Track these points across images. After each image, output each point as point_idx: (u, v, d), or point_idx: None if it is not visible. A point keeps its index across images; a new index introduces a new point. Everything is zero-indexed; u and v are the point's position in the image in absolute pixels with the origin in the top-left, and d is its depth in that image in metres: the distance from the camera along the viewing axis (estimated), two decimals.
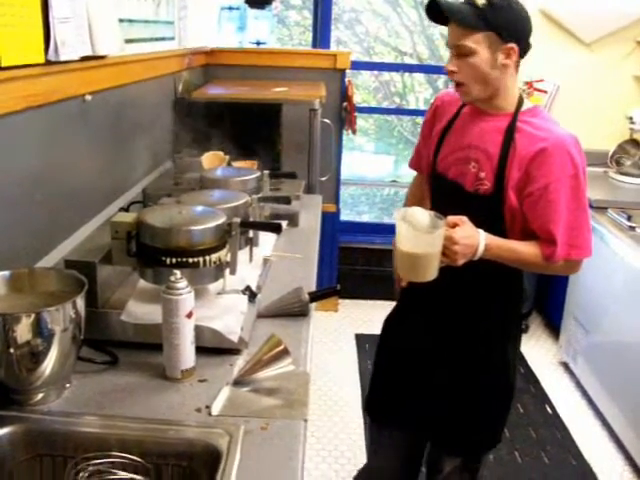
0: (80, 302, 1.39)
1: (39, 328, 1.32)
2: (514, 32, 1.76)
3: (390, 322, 2.23)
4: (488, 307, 1.98)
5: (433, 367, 2.04)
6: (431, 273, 1.73)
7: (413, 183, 2.31)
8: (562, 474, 3.07)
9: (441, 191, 2.01)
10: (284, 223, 2.54)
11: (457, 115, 1.99)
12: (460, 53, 1.78)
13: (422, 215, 1.75)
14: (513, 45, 1.76)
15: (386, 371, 2.20)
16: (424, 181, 2.15)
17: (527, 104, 1.88)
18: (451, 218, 1.74)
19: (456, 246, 1.71)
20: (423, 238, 1.70)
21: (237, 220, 1.77)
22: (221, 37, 4.51)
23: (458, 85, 1.84)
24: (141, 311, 1.65)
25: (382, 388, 2.22)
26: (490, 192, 1.83)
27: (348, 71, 4.36)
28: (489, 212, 1.84)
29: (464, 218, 1.76)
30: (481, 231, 1.77)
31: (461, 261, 1.74)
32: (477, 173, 1.85)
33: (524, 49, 1.81)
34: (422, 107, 6.45)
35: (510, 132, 1.81)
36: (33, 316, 1.31)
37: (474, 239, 1.75)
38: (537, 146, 1.76)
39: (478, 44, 1.76)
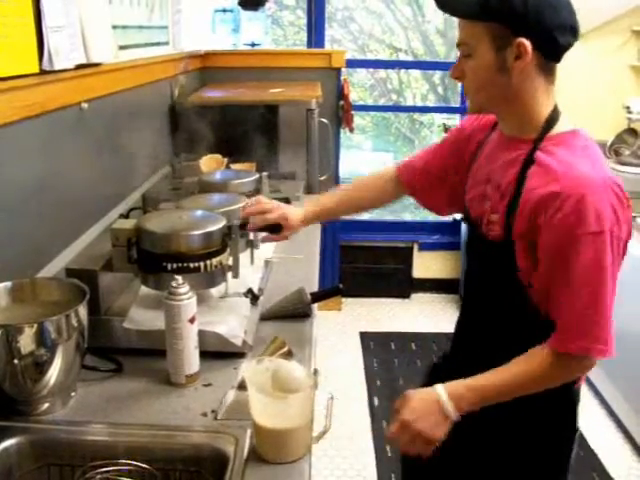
0: (82, 310, 1.39)
1: (42, 338, 1.32)
2: (525, 23, 1.30)
3: None
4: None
5: None
6: (298, 451, 1.31)
7: (379, 174, 1.87)
8: None
9: (468, 230, 1.67)
10: None
11: (485, 140, 1.58)
12: (463, 52, 1.40)
13: (292, 371, 1.35)
14: (524, 41, 1.30)
15: None
16: (395, 187, 1.81)
17: (561, 126, 1.41)
18: (396, 405, 1.44)
19: (413, 425, 1.38)
20: (278, 405, 1.28)
21: (237, 222, 1.77)
22: (215, 40, 4.51)
23: (466, 93, 1.47)
24: (144, 317, 1.65)
25: None
26: (499, 239, 1.44)
27: (344, 69, 4.36)
28: (501, 262, 1.45)
29: (407, 394, 1.44)
30: (436, 385, 1.41)
31: (436, 433, 1.39)
32: (490, 215, 1.47)
33: (546, 45, 1.34)
34: (419, 103, 6.45)
35: (527, 164, 1.38)
36: (36, 326, 1.31)
37: (426, 400, 1.40)
38: (547, 187, 1.32)
39: (478, 40, 1.34)
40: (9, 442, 1.31)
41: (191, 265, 1.65)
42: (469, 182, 1.59)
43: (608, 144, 4.36)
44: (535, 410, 1.50)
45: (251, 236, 1.95)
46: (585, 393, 3.66)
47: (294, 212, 1.79)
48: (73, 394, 1.48)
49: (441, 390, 1.40)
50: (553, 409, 1.54)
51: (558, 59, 1.39)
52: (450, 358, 1.76)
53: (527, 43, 1.30)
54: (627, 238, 1.36)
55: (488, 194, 1.49)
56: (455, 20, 1.42)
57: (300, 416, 1.29)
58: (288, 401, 1.27)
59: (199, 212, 1.83)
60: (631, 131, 4.32)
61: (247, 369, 1.36)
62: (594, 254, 1.29)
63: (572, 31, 1.36)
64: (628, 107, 4.18)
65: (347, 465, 3.01)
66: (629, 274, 3.19)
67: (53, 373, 1.36)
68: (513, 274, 1.42)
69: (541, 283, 1.39)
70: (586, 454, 3.13)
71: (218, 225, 1.72)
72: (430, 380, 1.59)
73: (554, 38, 1.33)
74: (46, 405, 1.41)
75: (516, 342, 1.43)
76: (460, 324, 1.73)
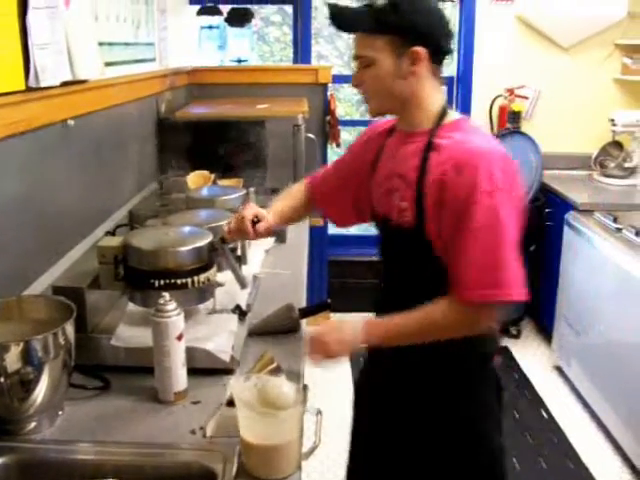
0: (69, 328, 1.39)
1: (29, 356, 1.31)
2: (420, 33, 1.49)
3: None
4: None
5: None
6: (287, 468, 1.30)
7: (297, 188, 1.96)
8: (560, 478, 3.06)
9: (379, 229, 1.75)
10: (271, 240, 2.54)
11: (384, 144, 1.71)
12: (362, 64, 1.55)
13: (280, 387, 1.37)
14: (419, 49, 1.49)
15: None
16: (309, 197, 1.91)
17: (451, 117, 1.58)
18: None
19: (324, 336, 1.55)
20: (266, 422, 1.29)
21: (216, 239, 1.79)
22: (202, 56, 4.52)
23: (366, 100, 1.62)
24: (131, 335, 1.65)
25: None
26: (411, 224, 1.55)
27: (330, 85, 4.37)
28: (416, 248, 1.56)
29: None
30: (357, 320, 1.56)
31: (340, 348, 1.54)
32: (399, 204, 1.58)
33: (437, 52, 1.54)
34: None
35: (426, 152, 1.53)
36: (22, 344, 1.30)
37: (342, 322, 1.59)
38: (447, 163, 1.48)
39: (379, 52, 1.51)
40: None
41: (178, 282, 1.65)
42: (374, 186, 1.70)
43: (593, 157, 4.39)
44: (452, 390, 1.64)
45: (238, 252, 1.95)
46: (577, 405, 3.68)
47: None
48: (60, 413, 1.47)
49: (358, 323, 1.55)
50: (470, 388, 1.65)
51: (443, 62, 1.58)
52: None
53: (421, 51, 1.50)
54: (520, 198, 1.52)
55: (394, 186, 1.60)
56: None
57: (289, 432, 1.28)
58: (277, 418, 1.27)
59: (186, 228, 1.83)
60: (616, 144, 4.35)
61: (235, 386, 1.35)
62: (488, 209, 1.43)
63: (452, 38, 1.58)
64: (612, 120, 4.21)
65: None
66: (619, 285, 3.22)
67: (40, 392, 1.35)
68: (429, 253, 1.54)
69: (447, 248, 1.51)
70: (577, 466, 3.14)
71: (205, 241, 1.72)
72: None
73: (441, 45, 1.54)
74: (33, 424, 1.40)
75: None
76: (380, 308, 1.72)
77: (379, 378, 1.79)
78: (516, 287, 1.46)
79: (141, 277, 1.65)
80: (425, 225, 1.52)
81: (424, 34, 1.50)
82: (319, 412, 1.38)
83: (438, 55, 1.55)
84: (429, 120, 1.57)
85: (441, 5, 1.56)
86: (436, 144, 1.53)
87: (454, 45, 1.62)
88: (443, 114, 1.57)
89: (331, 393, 3.70)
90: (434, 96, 1.58)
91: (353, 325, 1.55)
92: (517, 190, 1.50)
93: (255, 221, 1.76)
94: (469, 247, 1.45)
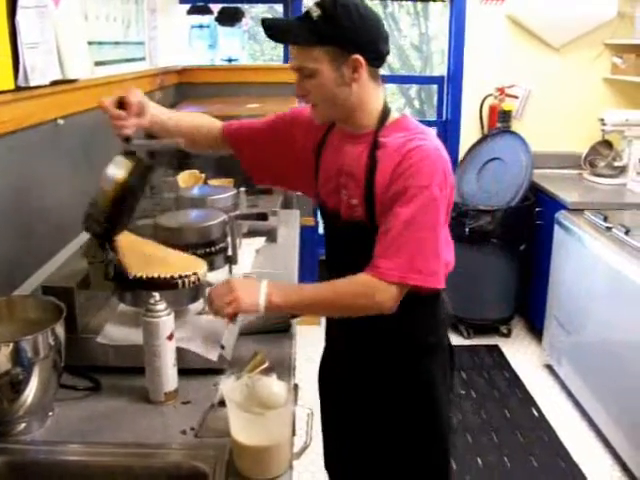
0: (59, 329, 1.38)
1: (18, 357, 1.30)
2: (356, 41, 1.53)
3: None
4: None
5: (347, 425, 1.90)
6: (278, 468, 1.29)
7: (211, 124, 1.98)
8: (551, 477, 3.08)
9: (326, 220, 1.85)
10: (262, 239, 2.54)
11: (326, 138, 1.78)
12: (303, 75, 1.59)
13: (271, 387, 1.36)
14: (358, 57, 1.53)
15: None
16: (218, 141, 1.95)
17: (394, 115, 1.66)
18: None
19: (235, 291, 1.57)
20: (257, 422, 1.27)
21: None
22: (192, 55, 4.51)
23: (312, 107, 1.66)
24: (119, 334, 1.64)
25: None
26: (362, 218, 1.64)
27: None
28: (367, 240, 1.61)
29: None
30: (264, 280, 1.60)
31: (245, 305, 1.56)
32: (349, 201, 1.66)
33: (375, 58, 1.58)
34: None
35: (373, 151, 1.61)
36: (12, 345, 1.29)
37: (251, 280, 1.65)
38: (396, 159, 1.56)
39: (319, 63, 1.54)
40: None
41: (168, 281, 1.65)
42: (321, 180, 1.78)
43: (583, 156, 4.40)
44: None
45: (229, 251, 1.94)
46: (567, 404, 3.69)
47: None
48: (50, 414, 1.46)
49: (265, 282, 1.58)
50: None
51: (382, 65, 1.65)
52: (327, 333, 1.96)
53: (361, 58, 1.54)
54: (451, 199, 1.63)
55: (342, 184, 1.68)
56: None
57: (280, 432, 1.28)
58: (267, 417, 1.27)
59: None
60: (605, 143, 4.36)
61: (226, 386, 1.35)
62: (421, 202, 1.52)
63: (388, 40, 1.62)
64: (602, 119, 4.22)
65: None
66: (609, 284, 3.24)
67: (30, 393, 1.34)
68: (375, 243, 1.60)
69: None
70: (567, 465, 3.15)
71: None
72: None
73: (380, 49, 1.58)
74: (23, 425, 1.39)
75: None
76: None
77: (335, 362, 1.92)
78: (434, 274, 1.56)
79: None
80: (375, 219, 1.61)
81: (361, 43, 1.54)
82: (311, 412, 1.38)
83: (377, 60, 1.60)
84: (373, 121, 1.64)
85: (375, 8, 1.60)
86: (381, 143, 1.61)
87: (390, 46, 1.65)
88: (385, 114, 1.65)
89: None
90: (376, 98, 1.64)
91: (258, 284, 1.59)
92: (449, 187, 1.59)
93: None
94: (398, 231, 1.53)
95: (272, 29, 1.58)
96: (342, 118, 1.67)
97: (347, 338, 1.82)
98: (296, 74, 1.61)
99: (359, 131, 1.66)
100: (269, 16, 1.60)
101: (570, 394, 3.71)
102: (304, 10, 1.58)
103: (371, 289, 1.55)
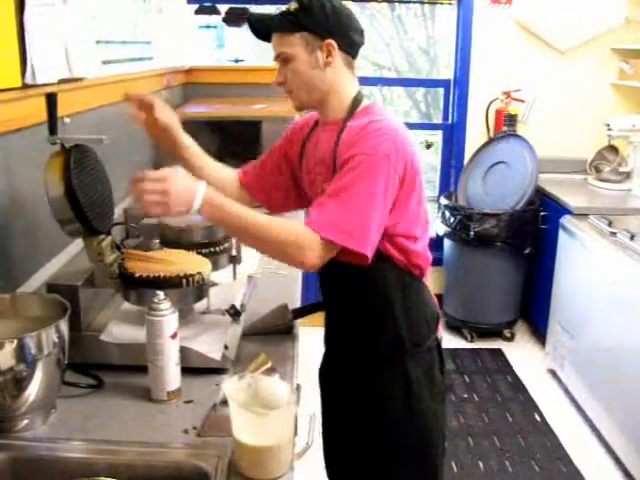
0: (63, 326, 1.38)
1: (22, 354, 1.31)
2: (329, 27, 1.66)
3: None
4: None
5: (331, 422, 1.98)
6: (279, 468, 1.29)
7: (232, 174, 2.01)
8: None
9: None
10: None
11: (309, 136, 1.85)
12: (282, 61, 1.70)
13: (273, 387, 1.36)
14: (330, 41, 1.66)
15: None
16: (238, 188, 1.96)
17: (364, 104, 1.74)
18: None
19: (167, 184, 1.50)
20: (259, 422, 1.27)
21: None
22: (199, 55, 4.51)
23: (289, 94, 1.76)
24: (122, 332, 1.65)
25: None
26: None
27: None
28: None
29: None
30: (202, 183, 1.56)
31: (175, 205, 1.50)
32: (322, 186, 1.68)
33: (347, 44, 1.69)
34: (402, 120, 6.46)
35: (339, 135, 1.68)
36: (16, 342, 1.29)
37: (190, 179, 1.55)
38: (354, 137, 1.62)
39: (294, 47, 1.67)
40: None
41: (173, 280, 1.65)
42: (304, 177, 1.86)
43: (589, 161, 4.40)
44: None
45: (233, 251, 1.95)
46: (570, 408, 3.68)
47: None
48: (53, 411, 1.47)
49: (202, 184, 1.55)
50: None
51: (356, 55, 1.74)
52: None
53: (333, 42, 1.66)
54: (405, 172, 1.61)
55: (317, 172, 1.76)
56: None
57: (282, 433, 1.28)
58: (270, 418, 1.26)
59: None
60: (611, 148, 4.36)
61: (228, 385, 1.34)
62: (363, 169, 1.56)
63: (362, 33, 1.73)
64: (608, 125, 4.22)
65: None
66: (612, 289, 3.23)
67: (33, 389, 1.35)
68: None
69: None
70: (569, 470, 3.15)
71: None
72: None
73: (352, 38, 1.70)
74: (26, 422, 1.40)
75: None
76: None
77: (328, 364, 1.97)
78: (362, 240, 1.55)
79: (136, 275, 1.65)
80: None
81: (333, 29, 1.66)
82: (313, 414, 1.38)
83: (350, 47, 1.70)
84: (344, 108, 1.72)
85: (348, 5, 1.73)
86: (348, 127, 1.68)
87: (363, 39, 1.75)
88: (356, 103, 1.73)
89: None
90: (349, 86, 1.74)
91: (197, 186, 1.53)
92: (401, 162, 1.60)
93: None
94: (335, 192, 1.56)
95: (254, 22, 1.73)
96: (317, 104, 1.76)
97: (334, 342, 1.91)
98: (277, 63, 1.73)
99: (331, 117, 1.75)
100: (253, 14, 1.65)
101: (573, 399, 3.70)
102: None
103: (299, 238, 1.55)
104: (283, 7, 1.69)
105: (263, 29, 1.73)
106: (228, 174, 1.97)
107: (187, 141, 1.87)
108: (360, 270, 1.63)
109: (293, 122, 2.01)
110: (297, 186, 1.93)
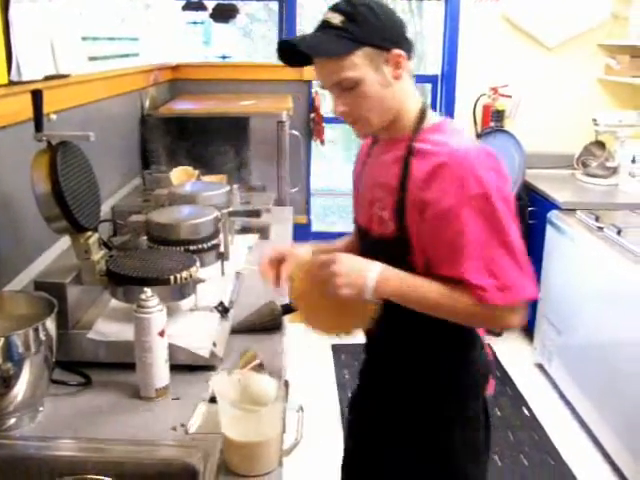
0: (50, 324, 1.38)
1: (9, 352, 1.30)
2: (392, 36, 1.43)
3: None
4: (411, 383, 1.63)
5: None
6: (268, 464, 1.30)
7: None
8: (541, 475, 3.08)
9: (360, 241, 1.70)
10: (255, 236, 2.54)
11: (368, 156, 1.66)
12: (344, 88, 1.44)
13: (262, 384, 1.36)
14: (397, 51, 1.42)
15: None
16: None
17: (431, 119, 1.52)
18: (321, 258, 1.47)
19: (339, 265, 1.42)
20: (248, 418, 1.28)
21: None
22: (187, 52, 4.50)
23: (354, 123, 1.51)
24: (110, 329, 1.64)
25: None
26: (394, 234, 1.49)
27: (315, 82, 4.37)
28: (396, 260, 1.47)
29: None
30: (377, 262, 1.45)
31: (345, 288, 1.41)
32: (381, 214, 1.52)
33: (408, 49, 1.46)
34: None
35: (407, 158, 1.47)
36: (2, 340, 1.29)
37: (360, 261, 1.45)
38: (430, 164, 1.41)
39: (360, 69, 1.41)
40: None
41: (160, 277, 1.65)
42: (358, 198, 1.68)
43: (576, 156, 4.41)
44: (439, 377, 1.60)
45: (221, 248, 1.94)
46: (558, 403, 3.70)
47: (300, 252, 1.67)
48: (41, 409, 1.46)
49: (375, 264, 1.44)
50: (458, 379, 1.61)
51: (412, 58, 1.50)
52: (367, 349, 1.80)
53: (402, 52, 1.43)
54: (511, 195, 1.45)
55: (375, 197, 1.55)
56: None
57: (270, 429, 1.28)
58: (258, 414, 1.27)
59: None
60: (598, 143, 4.37)
61: (217, 382, 1.34)
62: (484, 212, 1.37)
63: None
64: (595, 120, 4.24)
65: (319, 477, 3.00)
66: (600, 285, 3.25)
67: (20, 388, 1.35)
68: (411, 264, 1.48)
69: (430, 254, 1.45)
70: (557, 463, 3.16)
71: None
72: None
73: (408, 40, 1.47)
74: (13, 420, 1.39)
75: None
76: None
77: (375, 372, 1.76)
78: (530, 284, 1.42)
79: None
80: (407, 234, 1.47)
81: (395, 36, 1.44)
82: (301, 408, 1.38)
83: (409, 50, 1.47)
84: (409, 125, 1.50)
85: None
86: (417, 149, 1.46)
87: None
88: (422, 117, 1.51)
89: (313, 390, 3.71)
90: (413, 98, 1.52)
91: (367, 266, 1.43)
92: (508, 188, 1.43)
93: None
94: (474, 252, 1.38)
95: (296, 48, 1.41)
96: (385, 125, 1.51)
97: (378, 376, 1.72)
98: (332, 91, 1.48)
99: (394, 135, 1.52)
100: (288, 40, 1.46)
101: (561, 393, 3.71)
102: (321, 19, 1.44)
103: (489, 313, 1.41)
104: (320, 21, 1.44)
105: (319, 54, 1.43)
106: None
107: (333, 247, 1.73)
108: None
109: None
110: None
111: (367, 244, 1.62)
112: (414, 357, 1.60)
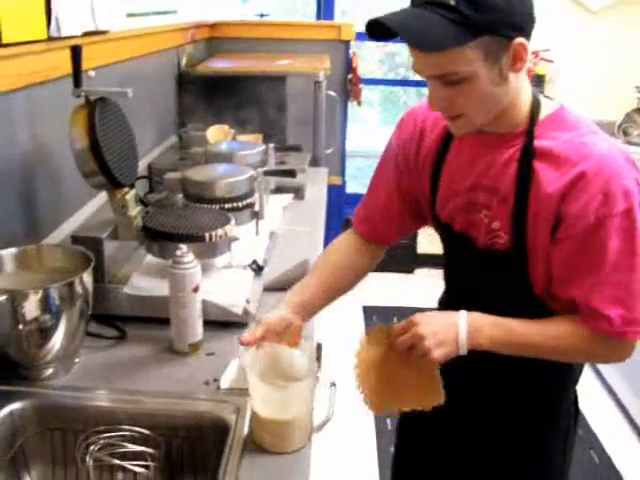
0: (87, 278, 1.40)
1: (47, 304, 1.33)
2: (515, 22, 1.15)
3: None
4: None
5: None
6: (298, 441, 1.26)
7: (343, 240, 1.63)
8: (586, 472, 3.00)
9: (450, 245, 1.51)
10: (290, 196, 2.55)
11: (447, 141, 1.40)
12: (447, 82, 1.19)
13: (293, 358, 1.31)
14: (521, 40, 1.15)
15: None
16: (365, 250, 1.62)
17: (546, 108, 1.29)
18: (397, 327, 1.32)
19: (420, 328, 1.26)
20: (278, 394, 1.23)
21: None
22: (224, 10, 4.48)
23: (454, 120, 1.27)
24: (145, 284, 1.66)
25: None
26: (508, 248, 1.31)
27: (353, 42, 4.32)
28: (510, 275, 1.33)
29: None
30: (462, 311, 1.30)
31: (436, 350, 1.25)
32: (490, 223, 1.32)
33: (531, 32, 1.19)
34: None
35: (526, 159, 1.26)
36: (41, 292, 1.31)
37: (445, 317, 1.30)
38: (571, 173, 1.20)
39: (473, 63, 1.15)
40: (13, 406, 1.33)
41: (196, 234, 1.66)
42: (442, 195, 1.42)
43: (617, 123, 4.33)
44: (534, 384, 1.48)
45: (256, 207, 1.95)
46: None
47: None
48: (77, 360, 1.49)
49: (460, 314, 1.30)
50: (551, 384, 1.50)
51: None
52: None
53: (525, 41, 1.17)
54: None
55: (480, 201, 1.34)
56: None
57: (301, 405, 1.24)
58: (289, 390, 1.23)
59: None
60: None
61: (246, 356, 1.27)
62: (626, 233, 1.20)
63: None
64: (638, 87, 4.15)
65: (348, 453, 3.00)
66: None
67: (57, 339, 1.37)
68: (526, 288, 1.33)
69: (559, 273, 1.28)
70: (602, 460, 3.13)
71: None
72: None
73: (533, 20, 1.20)
74: (50, 371, 1.42)
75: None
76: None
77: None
78: None
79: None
80: (526, 249, 1.29)
81: (521, 20, 1.16)
82: (333, 384, 1.36)
83: (531, 34, 1.20)
84: (522, 118, 1.28)
85: None
86: (539, 149, 1.25)
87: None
88: (537, 107, 1.28)
89: (344, 354, 3.74)
90: (526, 87, 1.28)
91: (456, 321, 1.28)
92: None
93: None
94: (611, 277, 1.23)
95: (398, 33, 1.13)
96: (489, 122, 1.28)
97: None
98: (429, 81, 1.23)
99: (504, 131, 1.30)
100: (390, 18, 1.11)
101: (611, 390, 3.61)
102: None
103: (607, 347, 1.29)
104: None
105: (428, 46, 1.14)
106: (346, 254, 1.61)
107: (318, 305, 1.53)
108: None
109: (397, 130, 1.52)
110: (411, 206, 1.54)
111: (471, 254, 1.40)
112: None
